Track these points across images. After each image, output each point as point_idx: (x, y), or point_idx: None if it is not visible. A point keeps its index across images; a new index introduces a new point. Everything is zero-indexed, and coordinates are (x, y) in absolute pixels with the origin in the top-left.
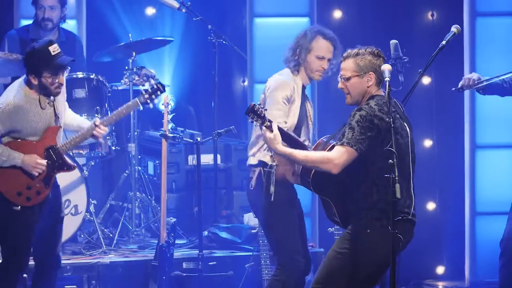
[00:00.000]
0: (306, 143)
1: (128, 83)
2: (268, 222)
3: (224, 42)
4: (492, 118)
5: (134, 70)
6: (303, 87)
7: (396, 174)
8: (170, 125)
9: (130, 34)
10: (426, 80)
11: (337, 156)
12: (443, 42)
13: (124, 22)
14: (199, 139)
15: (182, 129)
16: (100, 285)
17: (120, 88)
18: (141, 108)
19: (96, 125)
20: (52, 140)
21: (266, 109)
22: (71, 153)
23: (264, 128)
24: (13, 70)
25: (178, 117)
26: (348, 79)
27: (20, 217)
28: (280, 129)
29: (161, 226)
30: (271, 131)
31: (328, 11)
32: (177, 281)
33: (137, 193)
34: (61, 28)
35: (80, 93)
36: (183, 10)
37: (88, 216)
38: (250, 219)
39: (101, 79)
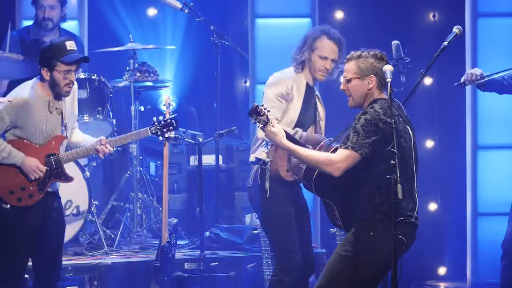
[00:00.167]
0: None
1: (130, 81)
2: (265, 219)
3: (226, 42)
4: (494, 118)
5: (136, 66)
6: (308, 86)
7: (398, 175)
8: None
9: (131, 35)
10: (428, 80)
11: (340, 159)
12: (445, 43)
13: (126, 23)
14: (200, 139)
15: (184, 129)
16: (102, 285)
17: (121, 85)
18: (150, 135)
19: (101, 144)
20: (55, 148)
21: (269, 110)
22: None
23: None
24: (13, 72)
25: (180, 118)
26: (349, 80)
27: (9, 215)
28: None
29: (162, 227)
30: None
31: (329, 11)
32: (179, 281)
33: (139, 193)
34: (61, 28)
35: (82, 94)
36: (186, 11)
37: (90, 217)
38: (252, 219)
39: (102, 79)
